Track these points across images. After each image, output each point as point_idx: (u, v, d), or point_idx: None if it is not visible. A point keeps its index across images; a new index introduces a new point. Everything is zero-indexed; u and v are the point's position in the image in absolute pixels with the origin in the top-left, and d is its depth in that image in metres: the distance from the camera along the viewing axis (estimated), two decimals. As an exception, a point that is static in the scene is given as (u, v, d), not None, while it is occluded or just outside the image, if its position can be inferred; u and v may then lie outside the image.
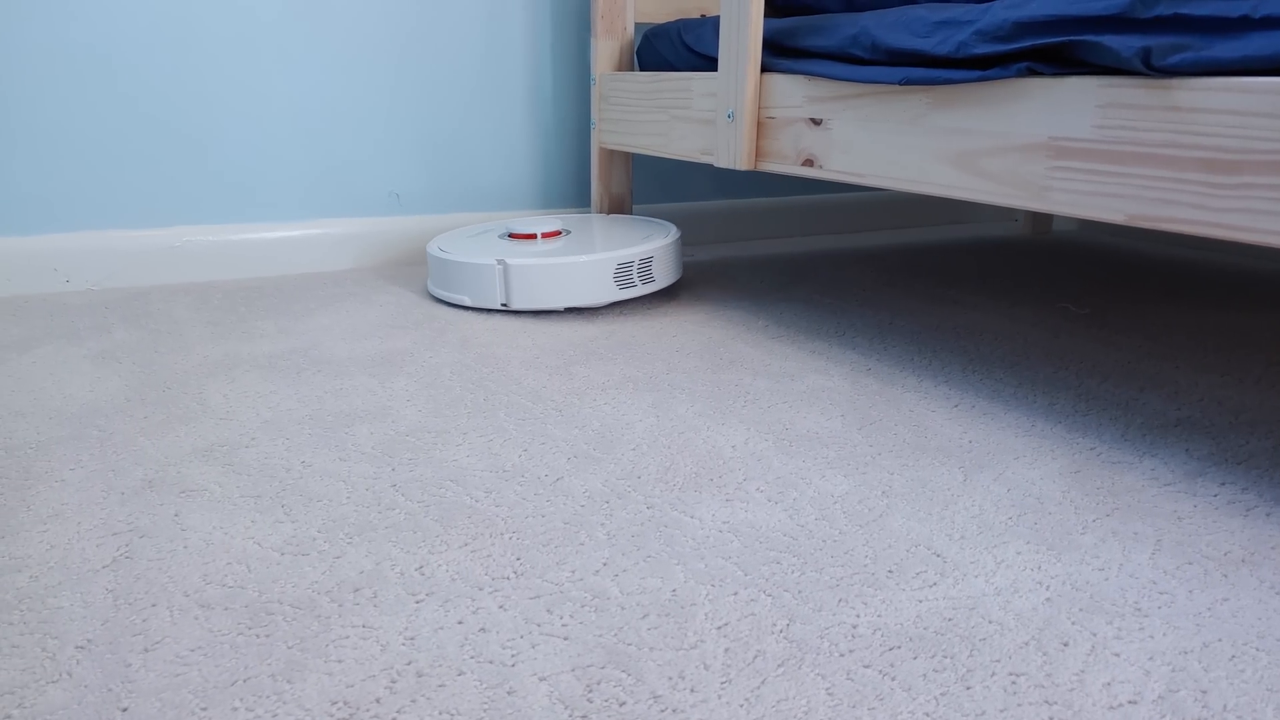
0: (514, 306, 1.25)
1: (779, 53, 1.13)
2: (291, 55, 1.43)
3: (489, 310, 1.27)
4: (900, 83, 0.93)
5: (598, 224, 1.46)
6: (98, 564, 0.62)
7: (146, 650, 0.54)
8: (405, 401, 0.93)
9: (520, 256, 1.24)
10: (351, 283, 1.43)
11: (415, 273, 1.51)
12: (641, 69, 1.48)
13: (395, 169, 1.55)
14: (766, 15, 1.39)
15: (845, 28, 1.02)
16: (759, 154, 1.16)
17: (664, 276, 1.31)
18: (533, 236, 1.34)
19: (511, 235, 1.36)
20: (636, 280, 1.27)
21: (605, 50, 1.48)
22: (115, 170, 1.36)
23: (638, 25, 1.65)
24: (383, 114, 1.51)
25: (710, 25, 1.29)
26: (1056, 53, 0.83)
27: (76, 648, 0.54)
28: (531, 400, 0.94)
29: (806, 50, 1.08)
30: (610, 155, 1.54)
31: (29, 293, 1.33)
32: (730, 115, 1.17)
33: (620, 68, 1.50)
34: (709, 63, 1.29)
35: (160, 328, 1.17)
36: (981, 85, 0.88)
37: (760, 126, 1.15)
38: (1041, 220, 2.02)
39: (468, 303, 1.27)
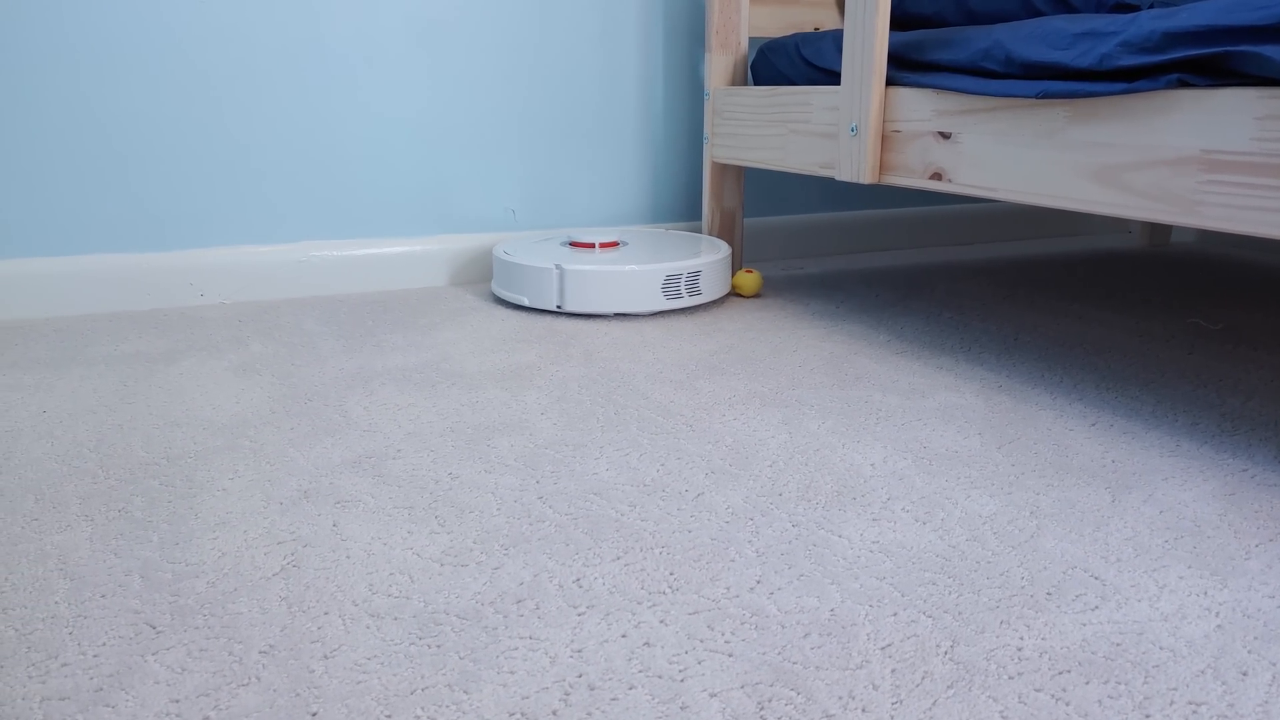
0: (567, 309, 1.32)
1: (904, 66, 1.12)
2: (412, 76, 1.47)
3: (548, 311, 1.28)
4: (1037, 96, 0.92)
5: (656, 238, 1.50)
6: (268, 572, 0.65)
7: (326, 657, 0.56)
8: (539, 414, 0.95)
9: (577, 263, 1.30)
10: (473, 296, 1.47)
11: (530, 287, 1.54)
12: (756, 84, 1.48)
13: (510, 185, 1.58)
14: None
15: (977, 41, 1.01)
16: (883, 167, 1.15)
17: (711, 291, 1.36)
18: (591, 246, 1.40)
19: (572, 244, 1.41)
20: (684, 292, 1.32)
21: (719, 65, 1.49)
22: (247, 188, 1.41)
23: (751, 40, 1.65)
24: (499, 131, 1.55)
25: (830, 40, 1.28)
26: (1209, 64, 0.80)
27: (260, 653, 0.56)
28: (661, 415, 0.95)
29: (935, 64, 1.07)
30: (722, 170, 1.54)
31: (167, 306, 1.39)
32: (854, 129, 1.17)
33: (734, 83, 1.50)
34: (828, 77, 1.29)
35: (294, 340, 1.21)
36: (1126, 98, 0.86)
37: (884, 140, 1.14)
38: (1159, 231, 1.95)
39: (526, 302, 1.34)
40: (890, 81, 1.14)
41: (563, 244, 1.44)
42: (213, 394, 1.01)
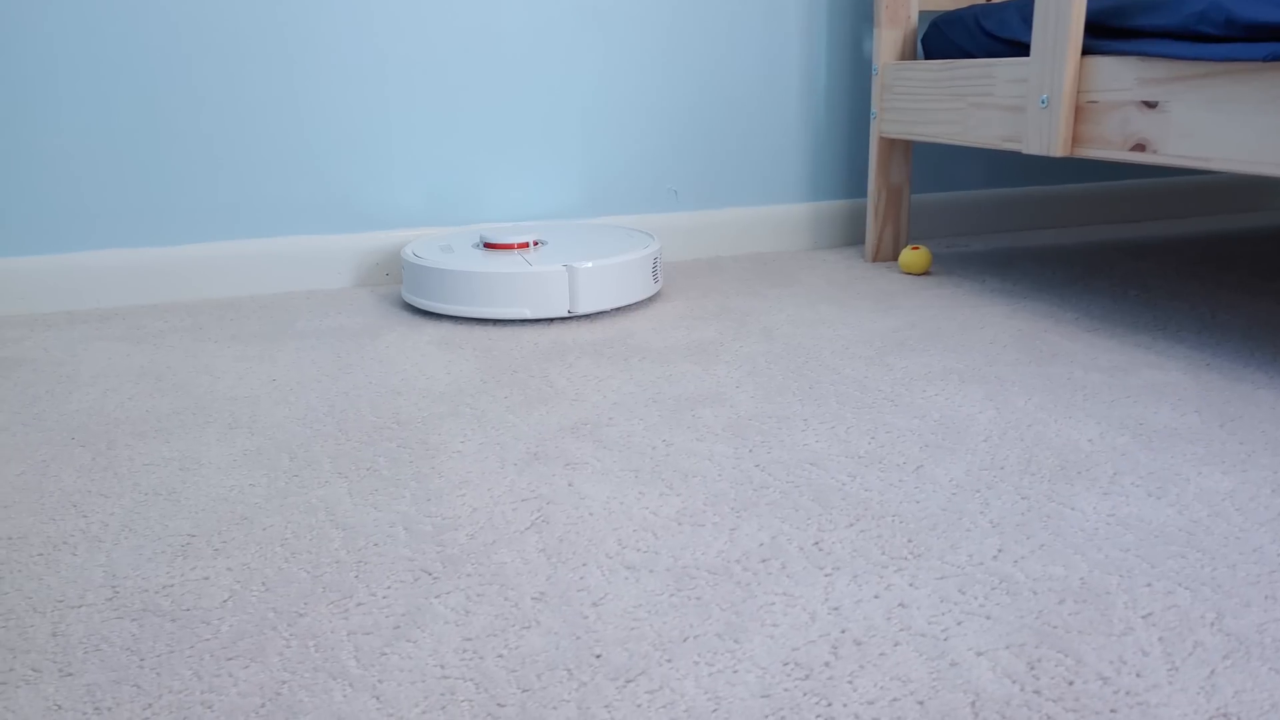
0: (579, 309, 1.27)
1: (1103, 34, 1.09)
2: (578, 58, 1.51)
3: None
4: (1266, 59, 0.88)
5: (571, 232, 1.44)
6: (520, 526, 0.69)
7: (595, 604, 0.59)
8: (734, 388, 0.97)
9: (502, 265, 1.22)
10: (640, 275, 1.49)
11: (698, 267, 1.56)
12: (927, 58, 1.46)
13: (671, 165, 1.60)
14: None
15: (1189, 4, 0.97)
16: (1075, 139, 1.12)
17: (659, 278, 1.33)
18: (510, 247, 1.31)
19: (487, 245, 1.32)
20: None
21: (889, 39, 1.48)
22: (431, 168, 1.48)
23: (921, 14, 1.63)
24: (660, 111, 1.57)
25: (1013, 9, 1.26)
26: None
27: (532, 599, 0.60)
28: (859, 390, 0.95)
29: (1138, 30, 1.03)
30: (890, 145, 1.53)
31: (356, 285, 1.46)
32: (1044, 101, 1.14)
33: (903, 57, 1.49)
34: (1012, 48, 1.26)
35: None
36: (1369, 59, 0.82)
37: (1078, 111, 1.11)
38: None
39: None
40: (1086, 51, 1.11)
41: (475, 245, 1.34)
42: (422, 365, 1.07)
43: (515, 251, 1.29)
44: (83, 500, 0.75)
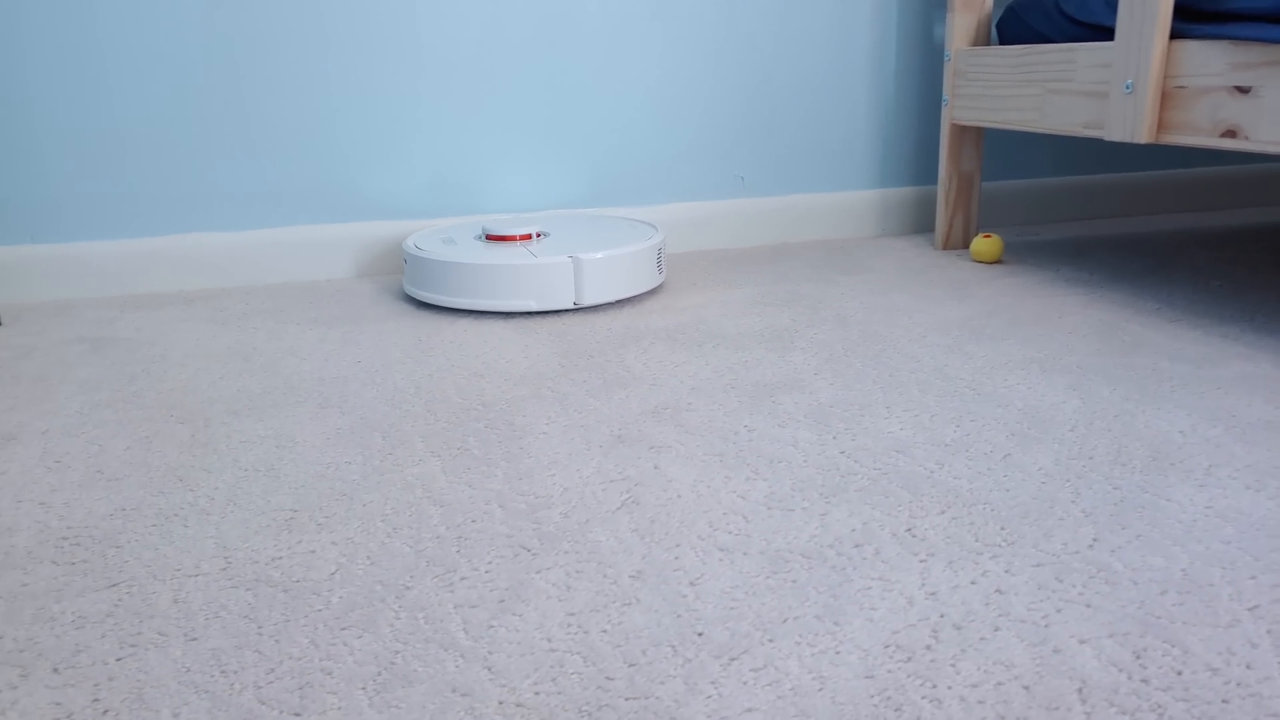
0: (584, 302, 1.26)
1: (1191, 18, 1.07)
2: (649, 46, 1.51)
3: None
4: (1369, 44, 0.86)
5: (576, 223, 1.42)
6: (611, 506, 0.70)
7: (693, 584, 0.60)
8: (812, 374, 0.97)
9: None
10: (706, 263, 1.50)
11: (765, 254, 1.56)
12: (1001, 43, 1.44)
13: (739, 152, 1.60)
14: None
15: (1288, -12, 0.95)
16: (1161, 126, 1.10)
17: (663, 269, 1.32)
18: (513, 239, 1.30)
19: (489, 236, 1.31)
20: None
21: (962, 25, 1.46)
22: (493, 159, 1.49)
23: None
24: (728, 98, 1.57)
25: (1097, -6, 1.23)
26: None
27: (630, 577, 0.61)
28: (939, 378, 0.95)
29: (1230, 13, 1.01)
30: (961, 132, 1.51)
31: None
32: (1128, 86, 1.12)
33: (977, 43, 1.47)
34: (1094, 33, 1.24)
35: (556, 301, 1.28)
36: None
37: (1164, 97, 1.10)
38: None
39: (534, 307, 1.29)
40: (1174, 35, 1.09)
41: (477, 237, 1.31)
42: (500, 349, 1.08)
43: (518, 243, 1.28)
44: (187, 475, 0.78)
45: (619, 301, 1.27)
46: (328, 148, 1.41)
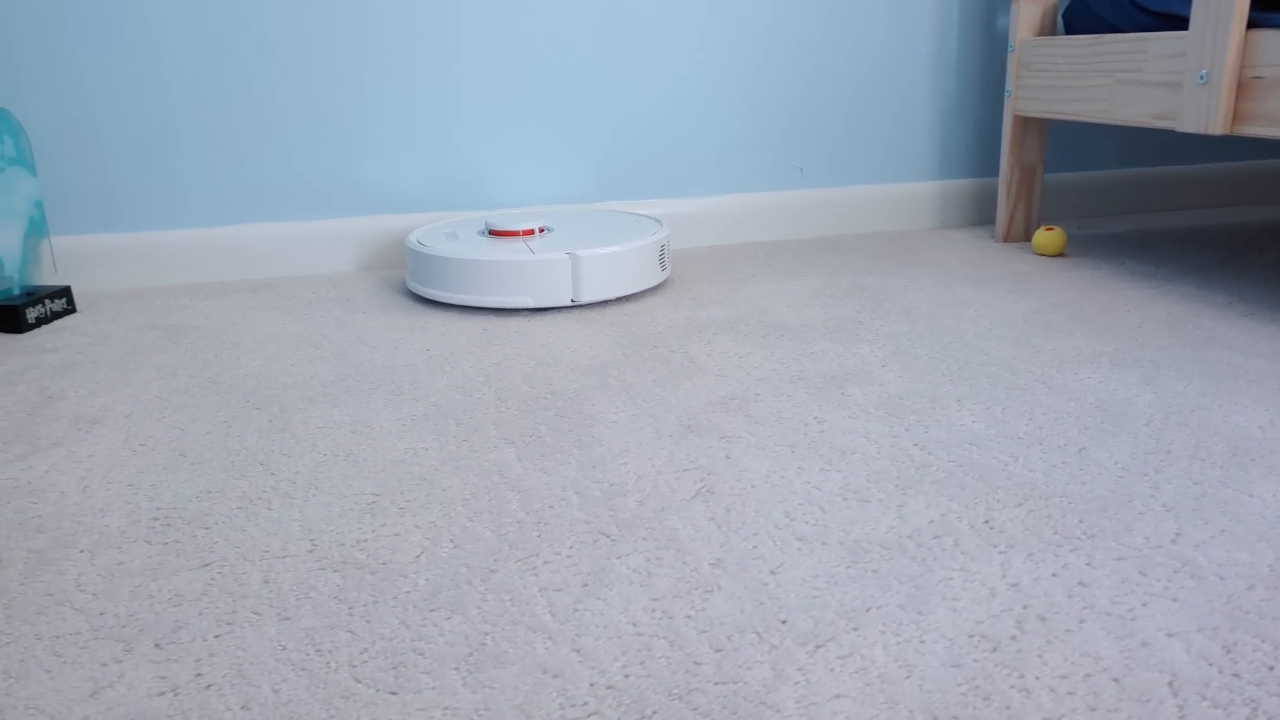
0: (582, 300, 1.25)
1: (1269, 6, 1.05)
2: (709, 37, 1.51)
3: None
4: None
5: (581, 218, 1.41)
6: (686, 494, 0.71)
7: (773, 573, 0.60)
8: (880, 366, 0.97)
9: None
10: (764, 255, 1.50)
11: (823, 245, 1.56)
12: (1068, 33, 1.42)
13: (798, 143, 1.59)
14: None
15: (1374, -25, 0.93)
16: (1236, 116, 1.08)
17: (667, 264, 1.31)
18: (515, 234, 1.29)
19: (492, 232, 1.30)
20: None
21: (1027, 15, 1.44)
22: (552, 150, 1.50)
23: (1057, -12, 1.58)
24: (786, 89, 1.56)
25: (1169, -18, 1.21)
26: None
27: (710, 565, 0.62)
28: (1009, 371, 0.94)
29: (1313, 2, 0.99)
30: (1024, 124, 1.49)
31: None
32: (1203, 77, 1.10)
33: (1042, 33, 1.45)
34: (1165, 22, 1.22)
35: (617, 292, 1.28)
36: None
37: (1240, 87, 1.07)
38: None
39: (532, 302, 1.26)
40: (1251, 24, 1.06)
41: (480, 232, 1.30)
42: (564, 339, 1.09)
43: (520, 238, 1.28)
44: (268, 459, 0.80)
45: (679, 292, 1.27)
46: (331, 144, 1.43)
